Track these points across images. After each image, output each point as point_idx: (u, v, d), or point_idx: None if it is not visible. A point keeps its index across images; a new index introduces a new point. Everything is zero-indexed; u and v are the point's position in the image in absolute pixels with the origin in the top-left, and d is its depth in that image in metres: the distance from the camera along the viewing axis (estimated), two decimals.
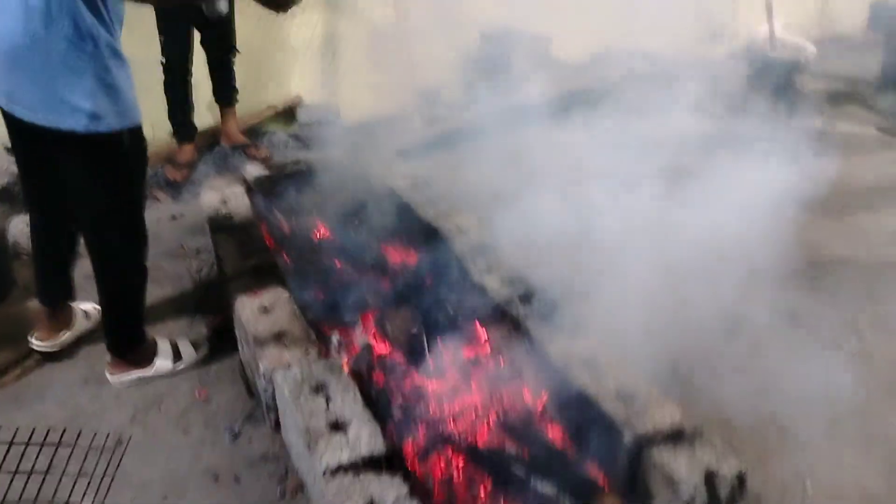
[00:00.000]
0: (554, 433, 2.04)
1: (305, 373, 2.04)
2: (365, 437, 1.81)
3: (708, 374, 2.32)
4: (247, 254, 2.67)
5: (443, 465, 1.96)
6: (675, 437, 1.80)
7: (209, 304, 2.82)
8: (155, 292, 2.91)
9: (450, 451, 1.99)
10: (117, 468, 2.09)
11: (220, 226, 2.86)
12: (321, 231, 3.11)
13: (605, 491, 1.87)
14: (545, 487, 1.87)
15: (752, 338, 2.53)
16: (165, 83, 3.81)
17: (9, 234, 3.25)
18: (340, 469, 1.73)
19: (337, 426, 1.86)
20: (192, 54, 3.81)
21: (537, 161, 3.66)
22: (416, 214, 2.97)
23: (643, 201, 2.75)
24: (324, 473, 1.73)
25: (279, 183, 3.32)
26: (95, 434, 2.20)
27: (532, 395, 2.14)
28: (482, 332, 2.35)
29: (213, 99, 4.09)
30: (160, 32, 3.70)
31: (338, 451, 1.77)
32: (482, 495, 1.89)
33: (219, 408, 2.32)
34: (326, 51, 4.54)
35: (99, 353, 2.55)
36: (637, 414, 1.84)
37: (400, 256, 2.91)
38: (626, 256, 2.34)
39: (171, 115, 3.89)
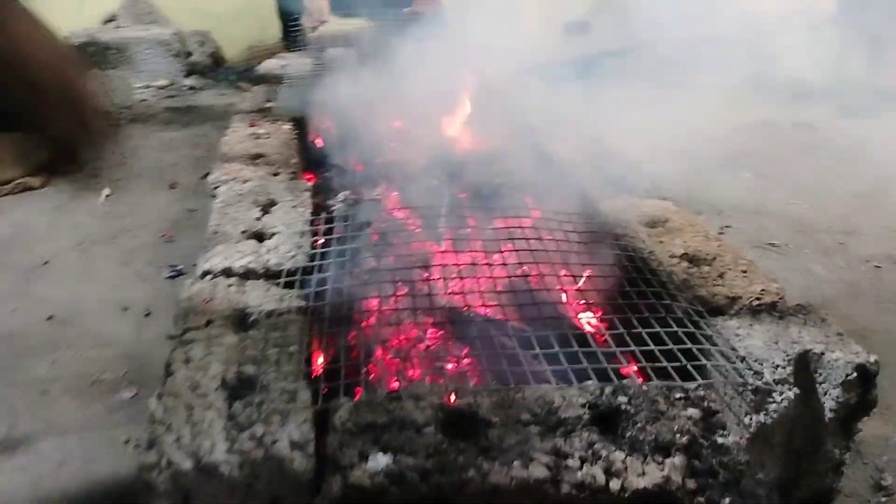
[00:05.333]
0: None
1: (259, 186, 1.49)
2: (283, 249, 1.22)
3: None
4: None
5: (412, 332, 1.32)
6: (758, 309, 1.06)
7: None
8: None
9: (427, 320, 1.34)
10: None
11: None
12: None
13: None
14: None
15: None
16: None
17: None
18: (224, 274, 1.15)
19: (257, 236, 1.29)
20: None
21: None
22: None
23: None
24: (202, 277, 1.15)
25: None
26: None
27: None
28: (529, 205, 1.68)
29: None
30: None
31: (236, 256, 1.19)
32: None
33: (178, 250, 1.81)
34: None
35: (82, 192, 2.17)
36: (705, 278, 1.12)
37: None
38: None
39: None
